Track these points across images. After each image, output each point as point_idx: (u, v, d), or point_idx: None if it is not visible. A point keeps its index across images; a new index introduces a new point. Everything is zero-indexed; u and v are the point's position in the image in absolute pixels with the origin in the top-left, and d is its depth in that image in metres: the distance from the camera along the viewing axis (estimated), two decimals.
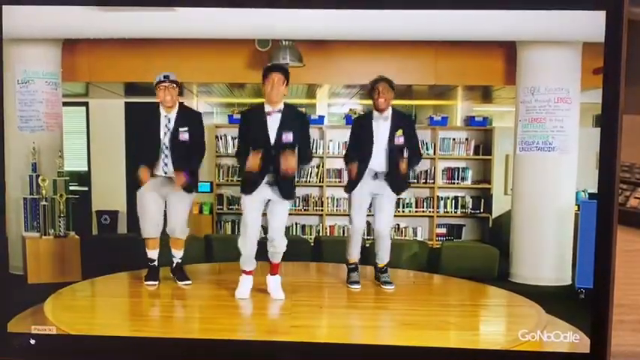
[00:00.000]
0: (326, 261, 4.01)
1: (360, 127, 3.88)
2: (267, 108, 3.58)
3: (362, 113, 3.93)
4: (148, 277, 3.91)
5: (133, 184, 4.13)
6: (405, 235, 4.51)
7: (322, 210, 4.71)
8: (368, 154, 3.81)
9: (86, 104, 4.49)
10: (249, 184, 3.69)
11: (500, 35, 3.28)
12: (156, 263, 3.93)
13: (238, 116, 4.51)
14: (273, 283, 3.68)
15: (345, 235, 4.69)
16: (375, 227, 3.96)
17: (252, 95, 4.58)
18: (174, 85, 3.73)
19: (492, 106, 4.98)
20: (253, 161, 3.60)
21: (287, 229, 3.80)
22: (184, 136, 3.76)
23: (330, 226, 4.75)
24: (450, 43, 3.81)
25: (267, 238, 3.74)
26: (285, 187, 3.66)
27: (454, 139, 4.71)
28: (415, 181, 4.72)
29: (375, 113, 3.77)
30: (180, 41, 3.69)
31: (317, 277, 4.11)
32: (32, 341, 2.65)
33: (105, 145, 4.41)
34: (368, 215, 3.97)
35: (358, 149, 3.87)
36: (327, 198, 4.71)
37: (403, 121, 3.82)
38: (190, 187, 3.87)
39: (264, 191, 3.68)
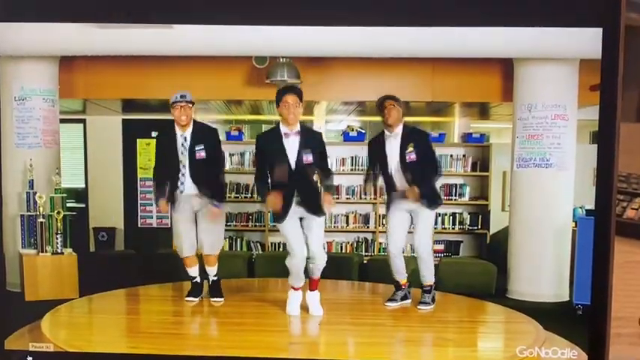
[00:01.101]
0: (324, 277, 3.99)
1: (374, 148, 3.85)
2: (284, 129, 3.55)
3: (377, 133, 3.88)
4: (189, 294, 3.91)
5: (131, 201, 4.14)
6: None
7: None
8: (387, 174, 3.80)
9: (83, 121, 4.49)
10: (280, 214, 3.64)
11: (497, 52, 3.29)
12: (198, 280, 3.92)
13: (236, 133, 4.52)
14: (313, 299, 3.67)
15: (346, 252, 4.70)
16: (414, 245, 3.94)
17: (250, 112, 4.59)
18: (190, 105, 3.73)
19: (489, 122, 4.99)
20: (274, 201, 3.62)
21: (283, 245, 3.80)
22: (201, 154, 3.76)
23: (328, 243, 4.74)
24: (448, 59, 3.81)
25: (309, 254, 3.69)
26: (313, 205, 3.65)
27: (451, 156, 4.71)
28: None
29: (386, 132, 3.76)
30: (178, 58, 3.69)
31: None
32: (30, 358, 2.64)
33: (102, 162, 4.41)
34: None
35: (377, 170, 3.87)
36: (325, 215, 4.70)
37: (414, 136, 3.78)
38: (217, 197, 3.88)
39: (297, 210, 3.65)
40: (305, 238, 3.65)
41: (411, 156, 3.71)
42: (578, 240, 3.21)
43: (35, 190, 3.71)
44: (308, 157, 3.52)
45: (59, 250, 3.82)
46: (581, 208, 3.62)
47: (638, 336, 2.76)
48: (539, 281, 3.84)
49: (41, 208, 3.70)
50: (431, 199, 3.80)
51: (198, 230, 3.89)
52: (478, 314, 3.82)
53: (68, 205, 3.86)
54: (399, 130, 3.72)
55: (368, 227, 4.73)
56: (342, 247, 4.74)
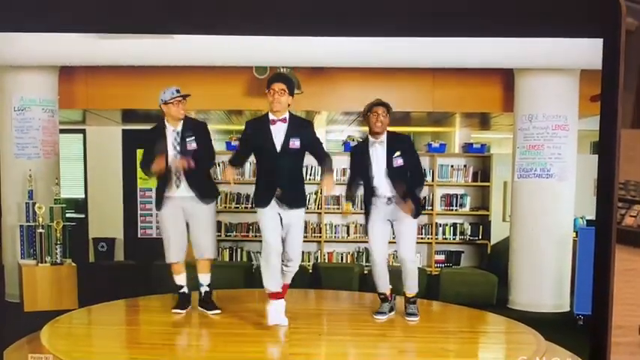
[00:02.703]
0: (324, 287, 3.99)
1: (358, 155, 3.83)
2: (272, 116, 3.55)
3: (359, 141, 3.87)
4: (178, 305, 3.82)
5: (130, 212, 4.12)
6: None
7: (320, 237, 4.70)
8: (370, 181, 3.78)
9: (83, 131, 4.49)
10: (261, 197, 3.62)
11: (498, 63, 3.29)
12: (186, 290, 3.87)
13: (236, 143, 4.50)
14: (279, 306, 3.59)
15: (346, 262, 4.69)
16: (398, 254, 3.91)
17: None
18: (184, 99, 3.72)
19: (490, 132, 4.99)
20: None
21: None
22: (192, 144, 3.73)
23: (328, 253, 4.73)
24: (448, 70, 3.81)
25: (283, 257, 3.63)
26: (294, 198, 3.62)
27: (452, 166, 4.71)
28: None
29: (371, 139, 3.73)
30: (178, 69, 3.69)
31: (315, 304, 4.09)
32: None
33: (102, 172, 4.41)
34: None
35: (360, 178, 3.85)
36: (325, 225, 4.69)
37: (400, 142, 3.76)
38: (209, 195, 3.86)
39: (275, 207, 3.61)
40: (283, 236, 3.62)
41: (398, 161, 3.69)
42: (578, 250, 3.21)
43: (35, 201, 3.71)
44: (295, 142, 3.50)
45: (58, 261, 3.81)
46: (581, 218, 3.62)
47: (637, 345, 2.75)
48: (540, 291, 3.83)
49: (41, 219, 3.70)
50: (417, 207, 3.80)
51: (192, 234, 3.85)
52: (479, 325, 3.81)
53: (68, 215, 3.86)
54: (384, 137, 3.71)
55: (368, 237, 4.72)
56: (342, 258, 4.73)
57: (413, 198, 3.78)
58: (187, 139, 3.72)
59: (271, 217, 3.59)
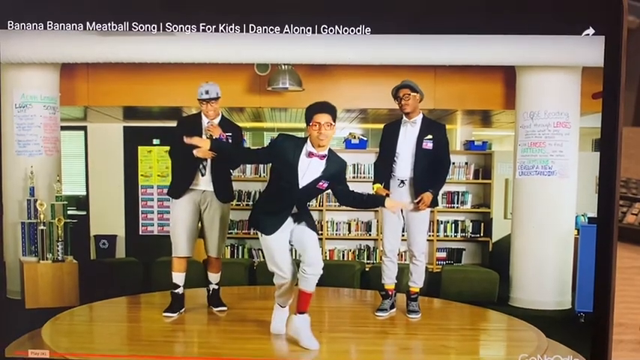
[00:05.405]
0: (325, 285, 3.98)
1: (387, 134, 3.83)
2: (310, 148, 3.45)
3: (394, 120, 3.87)
4: (170, 308, 3.79)
5: (132, 209, 4.11)
6: (405, 260, 4.48)
7: (322, 234, 4.69)
8: (391, 160, 3.78)
9: (84, 128, 4.48)
10: (270, 222, 3.52)
11: (499, 60, 3.27)
12: (180, 290, 3.84)
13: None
14: (303, 324, 3.43)
15: (347, 259, 4.68)
16: (407, 245, 3.92)
17: (252, 119, 4.57)
18: (214, 101, 3.76)
19: (492, 130, 4.97)
20: None
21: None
22: (229, 140, 3.73)
23: (329, 250, 4.73)
24: (450, 67, 3.80)
25: (305, 262, 3.50)
26: (308, 218, 3.57)
27: (454, 163, 4.69)
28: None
29: (404, 118, 3.78)
30: (179, 66, 3.68)
31: (316, 302, 4.08)
32: None
33: (103, 169, 4.40)
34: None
35: (384, 157, 3.84)
36: (327, 222, 4.69)
37: (433, 128, 3.79)
38: (228, 194, 3.89)
39: (290, 224, 3.54)
40: (299, 244, 3.55)
41: (428, 144, 3.71)
42: (580, 248, 3.21)
43: (36, 198, 3.70)
44: (324, 184, 3.44)
45: (60, 258, 3.81)
46: (583, 215, 3.61)
47: (639, 342, 2.76)
48: (542, 289, 3.82)
49: (42, 216, 3.69)
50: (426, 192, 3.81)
51: (205, 230, 3.86)
52: (480, 322, 3.81)
53: (69, 212, 3.85)
54: (418, 118, 3.74)
55: (370, 235, 4.71)
56: (344, 255, 4.72)
57: (435, 189, 3.80)
58: (227, 134, 3.72)
59: (282, 246, 3.54)
